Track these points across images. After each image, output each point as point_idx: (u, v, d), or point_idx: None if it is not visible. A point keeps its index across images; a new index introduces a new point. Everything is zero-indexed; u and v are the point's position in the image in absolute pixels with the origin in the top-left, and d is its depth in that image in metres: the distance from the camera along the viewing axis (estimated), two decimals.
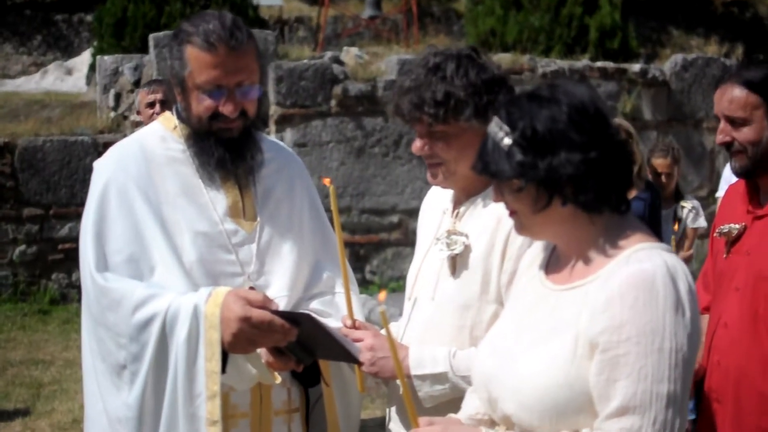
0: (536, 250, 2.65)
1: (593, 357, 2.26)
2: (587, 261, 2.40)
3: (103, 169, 3.23)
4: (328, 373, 3.27)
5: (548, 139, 2.33)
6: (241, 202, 3.26)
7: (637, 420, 2.22)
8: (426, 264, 3.24)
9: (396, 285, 10.94)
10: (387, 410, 3.35)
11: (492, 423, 2.52)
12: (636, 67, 12.05)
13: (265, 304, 2.92)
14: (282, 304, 3.16)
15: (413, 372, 3.02)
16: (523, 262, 2.70)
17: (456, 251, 3.09)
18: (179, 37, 3.15)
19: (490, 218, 3.06)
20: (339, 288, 3.35)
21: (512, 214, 2.47)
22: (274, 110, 11.10)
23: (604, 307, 2.26)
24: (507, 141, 2.36)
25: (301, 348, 3.02)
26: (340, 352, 3.02)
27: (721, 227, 3.66)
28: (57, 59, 16.73)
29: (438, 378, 3.01)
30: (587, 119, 2.36)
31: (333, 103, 11.18)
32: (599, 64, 12.06)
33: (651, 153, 8.01)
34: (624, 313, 2.23)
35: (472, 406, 2.63)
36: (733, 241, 3.61)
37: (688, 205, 8.00)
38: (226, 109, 3.09)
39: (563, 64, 11.92)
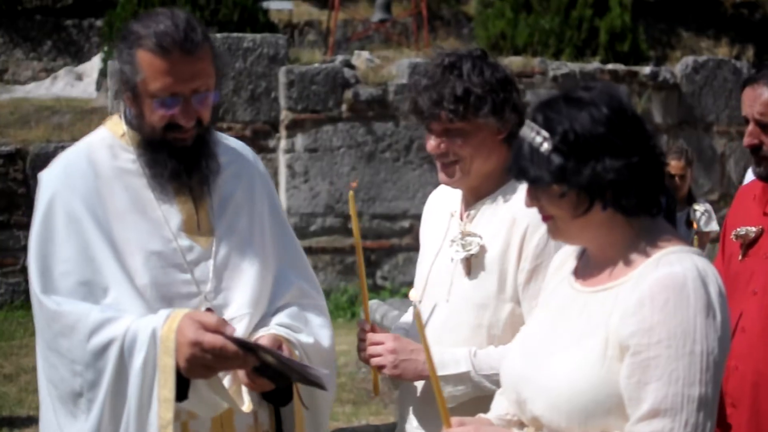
0: (565, 253, 2.65)
1: (623, 359, 2.26)
2: (619, 264, 2.39)
3: (49, 182, 3.01)
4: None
5: (591, 143, 2.31)
6: (195, 215, 3.04)
7: (668, 423, 2.21)
8: (436, 267, 3.24)
9: (407, 290, 10.91)
10: (400, 412, 3.35)
11: (521, 425, 2.51)
12: (646, 69, 12.03)
13: (218, 328, 2.75)
14: (245, 322, 2.99)
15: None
16: (552, 265, 2.70)
17: (472, 252, 3.11)
18: (129, 40, 2.91)
19: (504, 218, 3.08)
20: (307, 299, 3.18)
21: (547, 218, 2.44)
22: (284, 115, 11.10)
23: (634, 309, 2.25)
24: (546, 146, 2.34)
25: (272, 371, 2.85)
26: (301, 378, 2.88)
27: (738, 230, 3.63)
28: (67, 65, 16.72)
29: (461, 378, 3.03)
30: (627, 122, 2.35)
31: (344, 107, 11.18)
32: (610, 66, 12.05)
33: (668, 156, 8.01)
34: (655, 315, 2.23)
35: (501, 406, 2.62)
36: (749, 243, 3.59)
37: (700, 209, 7.98)
38: (182, 119, 2.88)
39: (574, 66, 11.91)
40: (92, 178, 2.97)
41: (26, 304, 10.74)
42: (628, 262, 2.37)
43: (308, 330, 3.09)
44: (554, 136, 2.33)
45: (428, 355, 2.47)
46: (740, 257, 3.62)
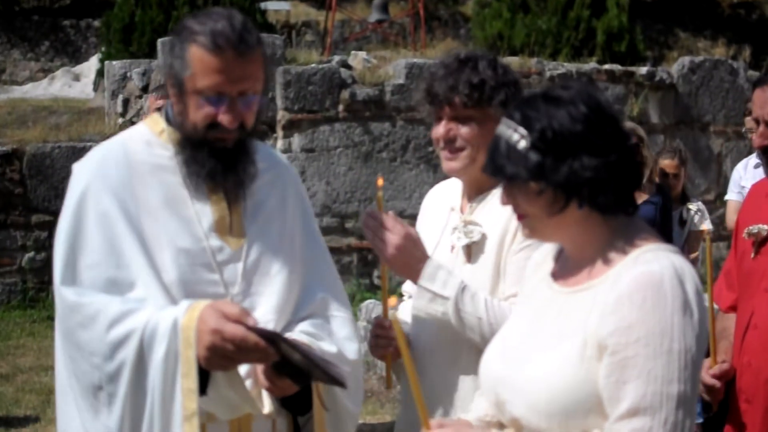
0: (543, 253, 2.64)
1: (602, 359, 2.26)
2: (596, 263, 2.39)
3: (82, 174, 3.00)
4: (319, 402, 3.02)
5: (569, 141, 2.31)
6: (228, 217, 3.00)
7: (648, 421, 2.21)
8: (438, 257, 3.26)
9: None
10: (403, 403, 3.36)
11: (501, 426, 2.51)
12: (643, 69, 12.05)
13: (240, 318, 2.70)
14: (257, 320, 2.86)
15: (421, 282, 3.09)
16: (530, 263, 2.72)
17: (474, 239, 3.18)
18: (183, 35, 2.88)
19: (504, 209, 3.10)
20: (333, 311, 3.12)
21: (522, 218, 2.44)
22: (281, 115, 11.11)
23: (612, 308, 2.26)
24: (524, 143, 2.33)
25: (293, 369, 2.80)
26: (322, 374, 2.81)
27: (750, 228, 3.63)
28: (65, 65, 16.77)
29: (439, 300, 3.08)
30: (605, 121, 2.35)
31: (341, 107, 11.19)
32: (607, 67, 12.06)
33: (659, 155, 8.04)
34: (632, 314, 2.23)
35: (481, 408, 2.62)
36: (761, 241, 3.60)
37: (693, 208, 8.02)
38: (225, 119, 2.85)
39: (571, 67, 11.93)
40: (126, 172, 2.95)
41: (23, 304, 10.77)
42: (605, 261, 2.37)
43: (331, 340, 3.04)
44: (532, 134, 2.33)
45: (406, 358, 2.45)
46: (752, 255, 3.62)
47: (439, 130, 3.19)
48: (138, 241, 2.88)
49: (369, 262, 11.47)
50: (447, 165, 3.21)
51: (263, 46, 2.94)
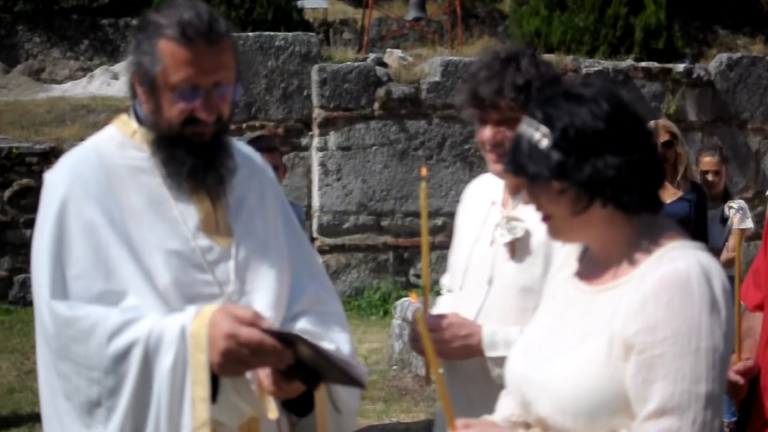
0: (567, 253, 2.62)
1: (629, 358, 2.24)
2: (622, 262, 2.37)
3: (58, 182, 2.83)
4: (322, 402, 2.96)
5: (591, 139, 2.28)
6: (214, 215, 2.90)
7: (676, 421, 2.19)
8: (476, 252, 3.26)
9: (440, 288, 10.92)
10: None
11: (527, 426, 2.50)
12: (680, 67, 11.98)
13: (254, 321, 2.60)
14: (271, 323, 2.79)
15: (487, 354, 3.10)
16: (554, 263, 2.71)
17: (518, 235, 3.14)
18: (149, 30, 2.76)
19: None
20: (325, 305, 3.06)
21: (546, 218, 2.41)
22: (317, 113, 11.15)
23: (638, 307, 2.24)
24: (546, 142, 2.31)
25: (305, 371, 2.73)
26: (340, 375, 2.73)
27: None
28: (103, 64, 16.86)
29: None
30: (627, 119, 2.32)
31: (376, 105, 11.21)
32: (643, 64, 12.01)
33: (699, 153, 7.99)
34: (659, 313, 2.21)
35: (507, 407, 2.61)
36: None
37: (735, 206, 7.94)
38: (203, 113, 2.75)
39: (607, 64, 11.88)
40: (104, 176, 2.82)
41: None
42: (630, 261, 2.35)
43: (329, 337, 2.97)
44: (554, 132, 2.30)
45: (431, 356, 2.45)
46: None
47: (486, 133, 3.14)
48: (126, 247, 2.76)
49: (405, 260, 11.48)
50: (494, 168, 3.18)
51: (232, 35, 2.83)
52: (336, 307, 3.12)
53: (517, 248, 3.16)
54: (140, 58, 2.77)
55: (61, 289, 2.72)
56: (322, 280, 3.18)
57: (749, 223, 8.00)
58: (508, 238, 3.16)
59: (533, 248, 3.13)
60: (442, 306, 3.47)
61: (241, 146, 3.15)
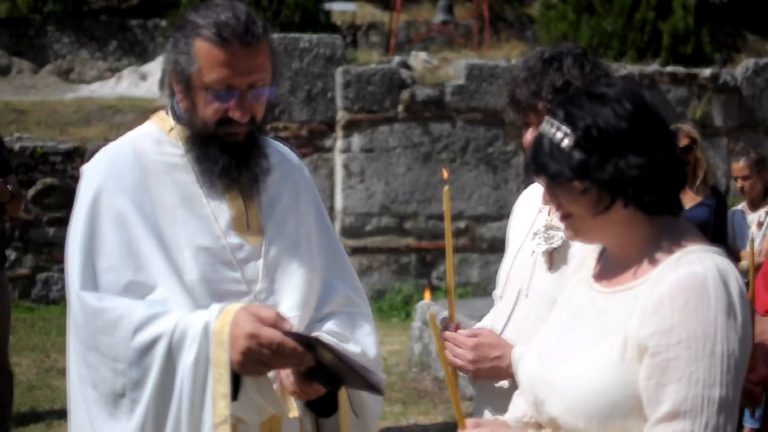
0: (583, 253, 2.61)
1: (642, 360, 2.22)
2: (640, 263, 2.34)
3: (93, 176, 2.88)
4: (346, 404, 2.97)
5: (614, 139, 2.27)
6: (245, 213, 2.94)
7: (688, 425, 2.16)
8: (518, 261, 3.21)
9: (463, 291, 10.92)
10: (476, 402, 3.33)
11: (538, 426, 2.48)
12: (707, 72, 11.92)
13: (276, 323, 2.63)
14: (293, 325, 2.79)
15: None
16: (569, 265, 2.67)
17: (555, 245, 3.07)
18: (186, 29, 2.80)
19: None
20: (355, 308, 3.08)
21: (566, 217, 2.39)
22: (341, 115, 11.16)
23: (654, 310, 2.21)
24: (568, 142, 2.29)
25: (325, 374, 2.74)
26: (360, 380, 2.75)
27: None
28: (132, 64, 16.93)
29: None
30: (650, 119, 2.31)
31: (400, 108, 11.21)
32: (669, 69, 11.96)
33: (733, 158, 7.94)
34: (674, 316, 2.18)
35: (518, 408, 2.59)
36: None
37: None
38: (237, 114, 2.78)
39: (633, 68, 11.84)
40: (138, 171, 2.87)
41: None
42: (648, 262, 2.32)
43: (355, 339, 2.99)
44: (576, 132, 2.29)
45: (444, 361, 2.43)
46: None
47: (528, 137, 3.06)
48: (157, 241, 2.80)
49: (428, 262, 11.46)
50: None
51: (269, 36, 2.85)
52: (365, 310, 3.13)
53: (555, 259, 3.09)
54: (177, 56, 2.81)
55: (91, 280, 2.77)
56: (353, 282, 3.18)
57: None
58: (545, 247, 3.10)
59: (570, 259, 3.04)
60: (486, 318, 3.41)
61: (279, 146, 3.17)
